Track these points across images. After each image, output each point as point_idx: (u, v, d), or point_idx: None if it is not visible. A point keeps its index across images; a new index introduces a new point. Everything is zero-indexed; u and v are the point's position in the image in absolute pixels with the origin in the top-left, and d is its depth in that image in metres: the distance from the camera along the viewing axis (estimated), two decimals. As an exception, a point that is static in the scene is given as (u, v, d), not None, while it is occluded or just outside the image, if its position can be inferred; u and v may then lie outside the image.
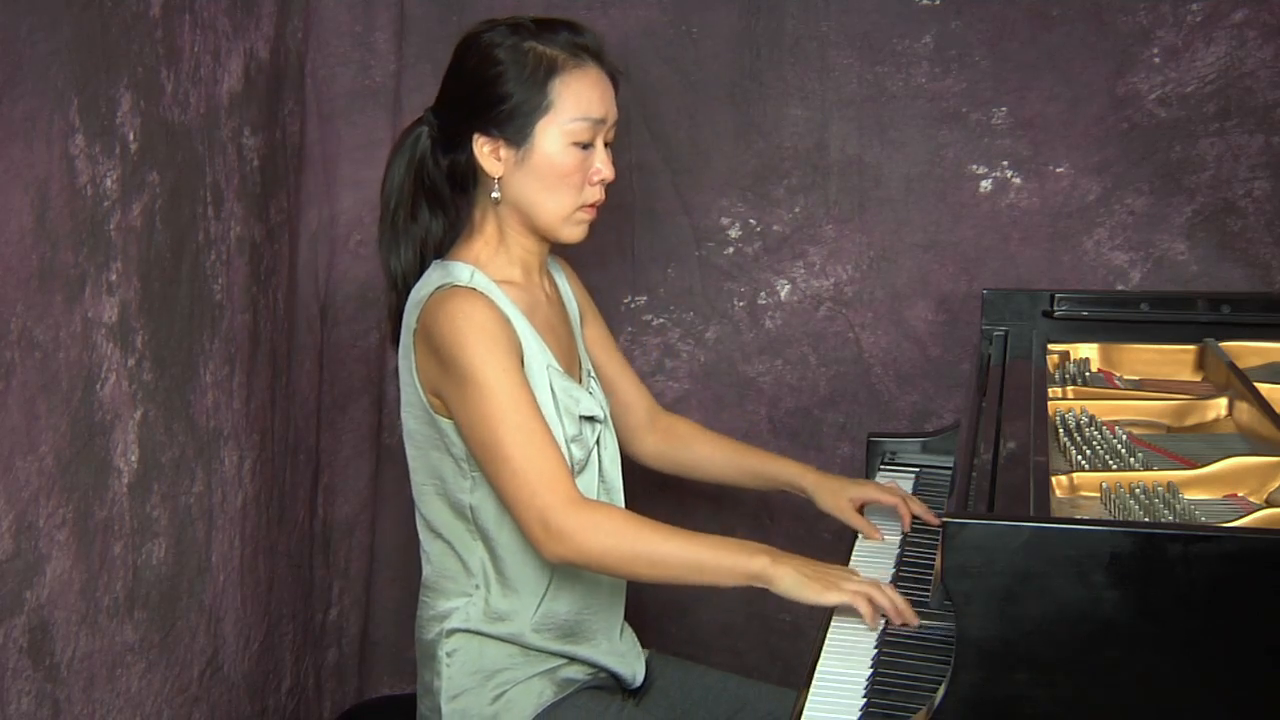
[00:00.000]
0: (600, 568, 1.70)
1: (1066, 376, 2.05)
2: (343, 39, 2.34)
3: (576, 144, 1.78)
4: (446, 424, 1.77)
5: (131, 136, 1.68)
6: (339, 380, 2.43)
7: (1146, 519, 1.50)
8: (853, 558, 1.90)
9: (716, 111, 2.40)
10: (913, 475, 2.16)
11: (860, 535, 1.96)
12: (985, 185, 2.38)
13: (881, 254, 2.42)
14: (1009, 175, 2.37)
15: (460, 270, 1.79)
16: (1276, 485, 1.61)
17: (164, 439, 1.80)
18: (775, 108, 2.40)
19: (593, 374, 1.95)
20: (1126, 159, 2.33)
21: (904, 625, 1.61)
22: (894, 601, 1.62)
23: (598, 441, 1.87)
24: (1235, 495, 1.61)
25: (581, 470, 1.82)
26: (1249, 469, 1.62)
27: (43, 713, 1.57)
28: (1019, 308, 2.23)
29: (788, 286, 2.46)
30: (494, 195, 1.81)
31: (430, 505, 1.84)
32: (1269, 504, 1.58)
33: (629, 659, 1.92)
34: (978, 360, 2.12)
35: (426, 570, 1.89)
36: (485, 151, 1.80)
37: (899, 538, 1.94)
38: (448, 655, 1.82)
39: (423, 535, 1.89)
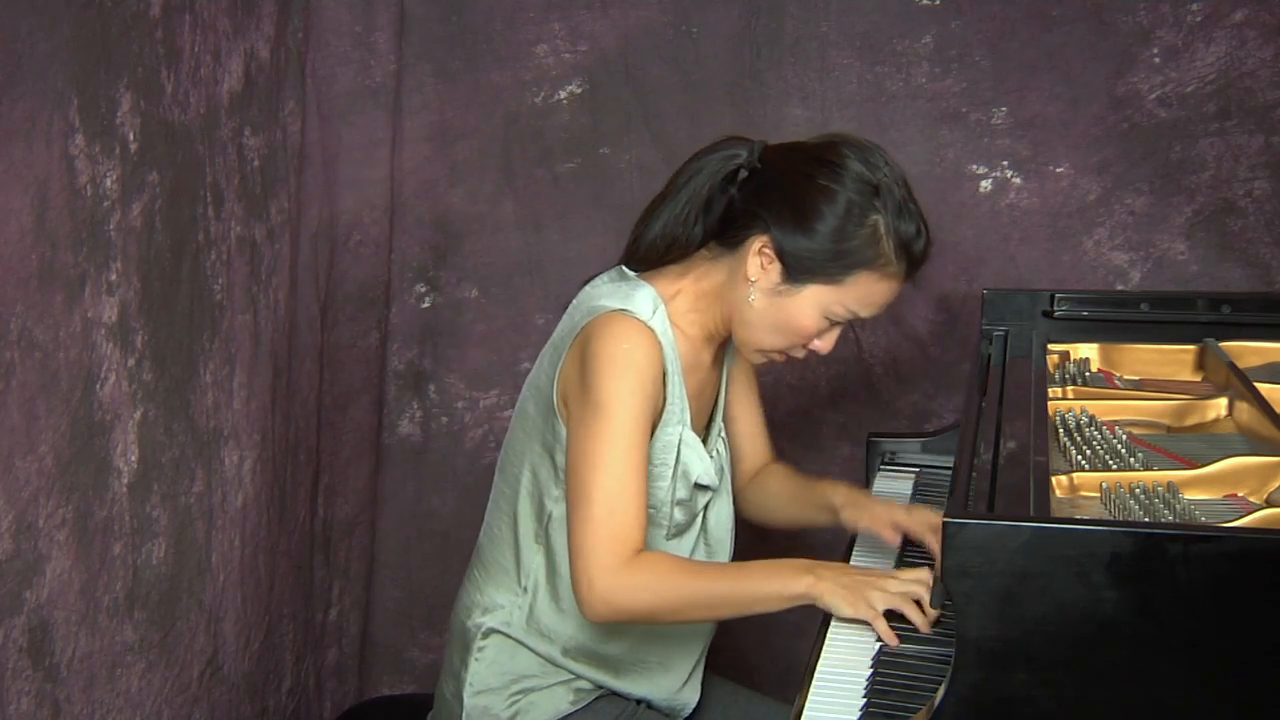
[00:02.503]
0: (651, 623, 1.70)
1: (1066, 376, 2.04)
2: (343, 39, 2.34)
3: (828, 318, 1.72)
4: (564, 430, 1.71)
5: (131, 136, 1.68)
6: (339, 380, 2.43)
7: (1146, 519, 1.50)
8: (853, 558, 1.89)
9: (716, 111, 2.39)
10: (913, 475, 2.16)
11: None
12: (985, 185, 2.38)
13: (881, 254, 2.42)
14: (1009, 175, 2.37)
15: (644, 301, 1.70)
16: (1276, 485, 1.61)
17: (164, 439, 1.80)
18: (775, 108, 2.40)
19: (723, 436, 1.87)
20: (1126, 159, 2.33)
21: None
22: (921, 616, 1.59)
23: (706, 506, 1.82)
24: (1235, 495, 1.61)
25: (682, 532, 1.80)
26: (1249, 469, 1.62)
27: (42, 713, 1.57)
28: (1019, 308, 2.23)
29: (788, 286, 2.45)
30: (750, 299, 1.71)
31: (513, 489, 1.79)
32: (1269, 504, 1.58)
33: (673, 700, 1.88)
34: (978, 360, 2.12)
35: (484, 541, 1.85)
36: (757, 251, 1.69)
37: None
38: (480, 650, 1.80)
39: (492, 510, 1.84)
